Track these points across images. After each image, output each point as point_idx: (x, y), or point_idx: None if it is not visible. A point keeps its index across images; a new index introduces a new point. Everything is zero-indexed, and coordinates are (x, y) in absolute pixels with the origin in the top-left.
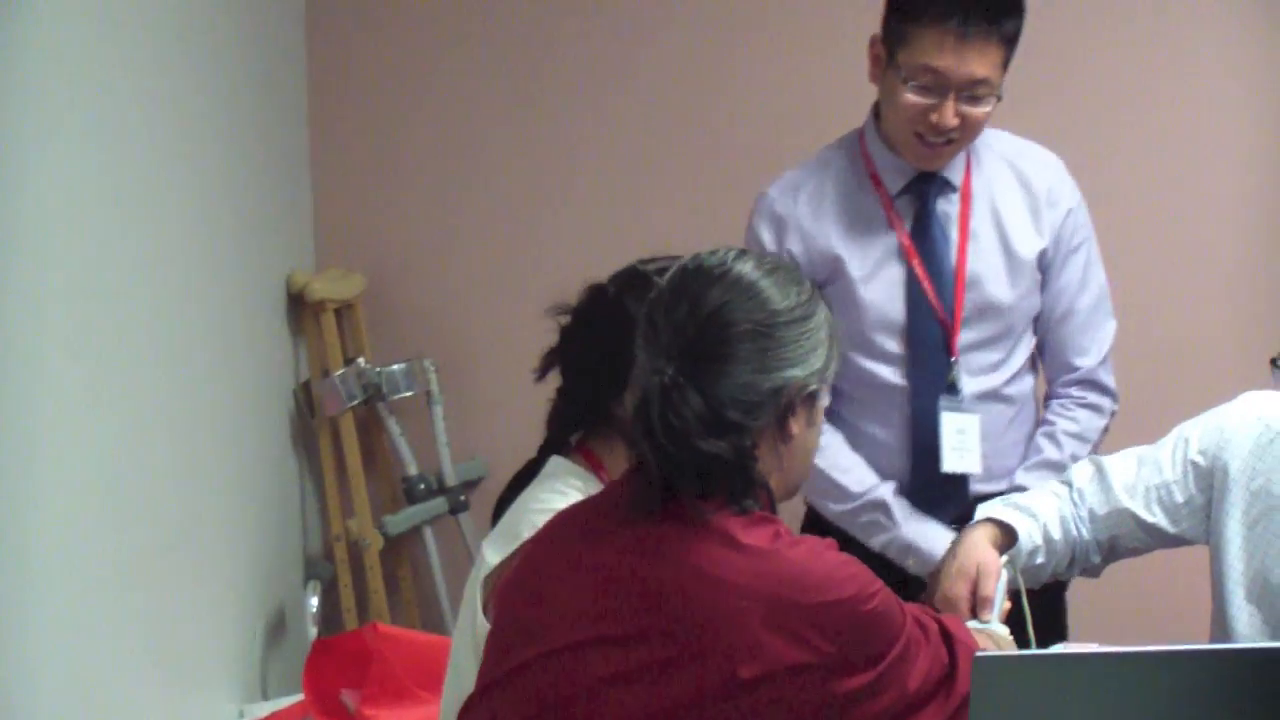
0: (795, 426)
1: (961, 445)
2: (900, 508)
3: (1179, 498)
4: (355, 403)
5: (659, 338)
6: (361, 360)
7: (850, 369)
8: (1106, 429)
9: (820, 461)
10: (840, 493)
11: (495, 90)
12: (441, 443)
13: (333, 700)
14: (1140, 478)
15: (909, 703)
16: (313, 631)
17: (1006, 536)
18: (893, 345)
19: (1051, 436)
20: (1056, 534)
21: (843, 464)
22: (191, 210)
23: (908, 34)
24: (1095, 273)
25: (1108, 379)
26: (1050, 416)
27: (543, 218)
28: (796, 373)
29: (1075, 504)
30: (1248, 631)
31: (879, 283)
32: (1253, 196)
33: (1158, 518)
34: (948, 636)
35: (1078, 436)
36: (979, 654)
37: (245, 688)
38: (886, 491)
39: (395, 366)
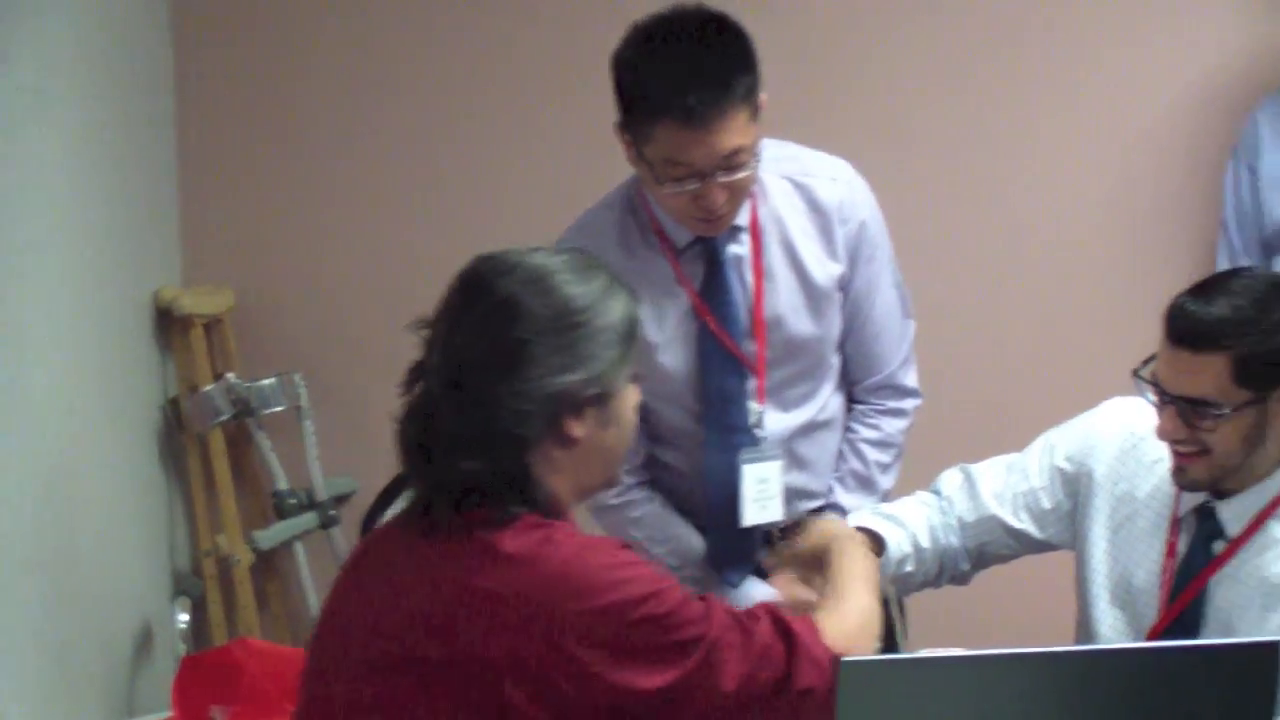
0: (579, 429)
1: (763, 495)
2: (713, 582)
3: (1046, 504)
4: (224, 418)
5: (436, 342)
6: (231, 375)
7: (660, 418)
8: (910, 426)
9: (638, 532)
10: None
11: (365, 103)
12: (312, 457)
13: (202, 716)
14: (1008, 485)
15: (731, 706)
16: (181, 648)
17: (875, 545)
18: (691, 399)
19: (854, 446)
20: (925, 542)
21: (659, 536)
22: (55, 225)
23: (644, 132)
24: (888, 276)
25: (906, 379)
26: (853, 425)
27: (415, 230)
28: (578, 375)
29: (944, 512)
30: (1111, 634)
31: (675, 346)
32: (1117, 201)
33: (1025, 524)
34: (788, 637)
35: (880, 444)
36: (846, 658)
37: (113, 705)
38: (700, 570)
39: (265, 381)
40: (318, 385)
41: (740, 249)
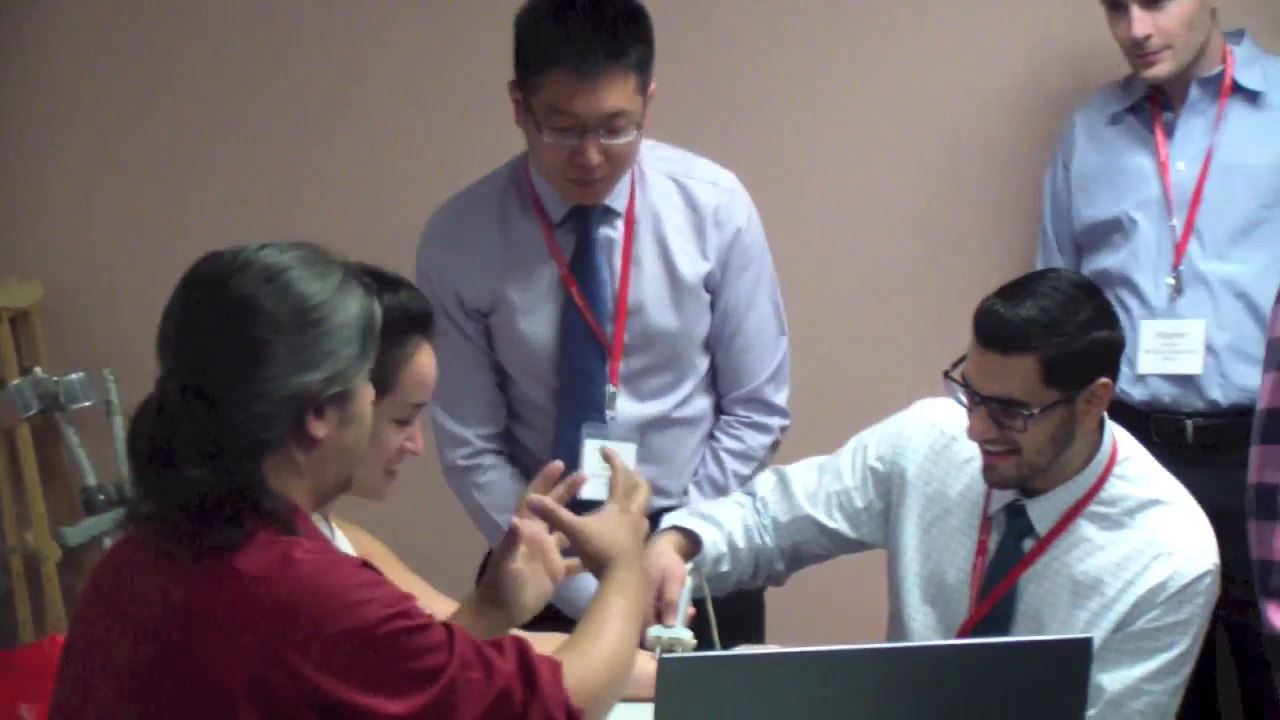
0: (320, 430)
1: (607, 473)
2: None
3: (859, 503)
4: (32, 413)
5: (169, 346)
6: (38, 370)
7: (514, 388)
8: (776, 445)
9: (482, 499)
10: (495, 533)
11: (177, 93)
12: (121, 453)
13: (11, 715)
14: (821, 485)
15: None
16: None
17: (691, 544)
18: (550, 374)
19: (715, 454)
20: (741, 542)
21: (502, 503)
22: None
23: (534, 81)
24: (765, 292)
25: (775, 397)
26: (717, 433)
27: (225, 225)
28: (317, 375)
29: (759, 513)
30: (923, 631)
31: (539, 314)
32: (944, 200)
33: (839, 523)
34: (529, 672)
35: (741, 455)
36: (664, 656)
37: None
38: None
39: (74, 376)
40: (128, 380)
41: (613, 233)
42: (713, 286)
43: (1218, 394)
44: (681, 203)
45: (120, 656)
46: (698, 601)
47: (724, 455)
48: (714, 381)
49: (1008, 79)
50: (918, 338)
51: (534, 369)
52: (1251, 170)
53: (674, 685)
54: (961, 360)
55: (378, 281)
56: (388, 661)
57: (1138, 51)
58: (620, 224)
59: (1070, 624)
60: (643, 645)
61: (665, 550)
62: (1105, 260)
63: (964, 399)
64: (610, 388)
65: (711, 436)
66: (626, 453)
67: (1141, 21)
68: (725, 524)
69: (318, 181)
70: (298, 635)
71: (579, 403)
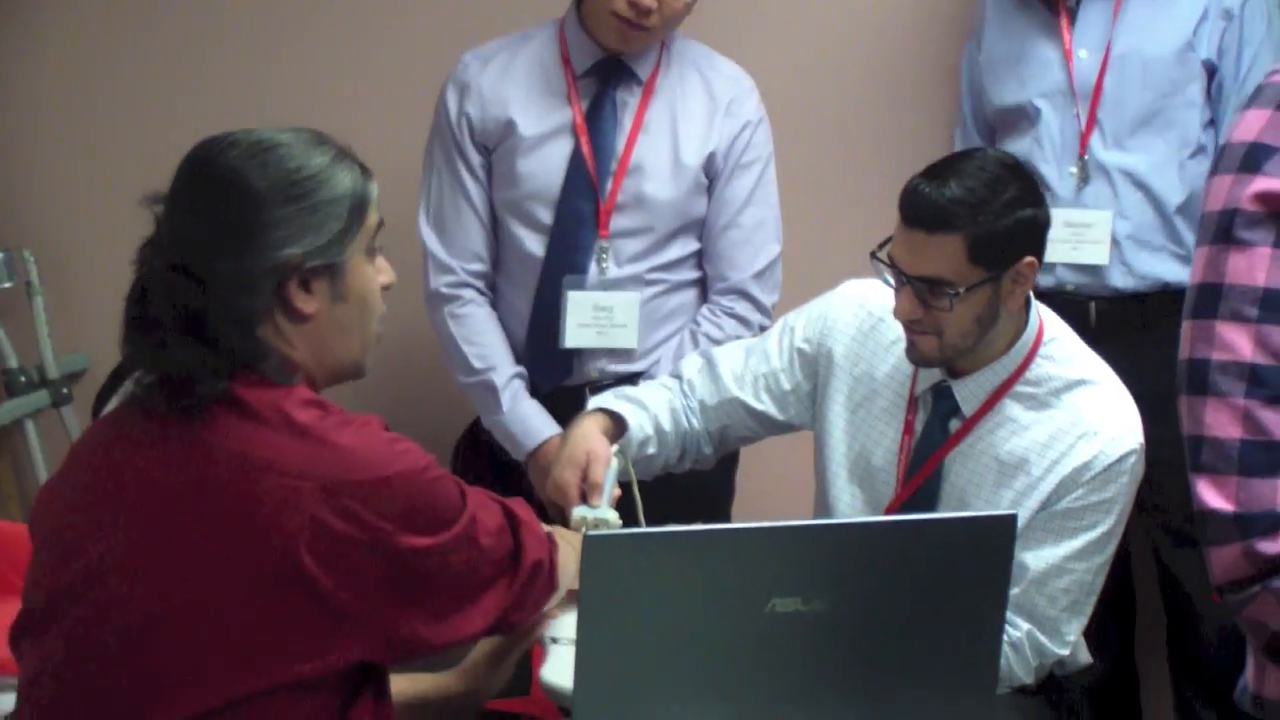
0: (309, 305)
1: (597, 323)
2: (510, 394)
3: (786, 385)
4: None
5: (165, 223)
6: None
7: (504, 235)
8: None
9: (456, 329)
10: (462, 365)
11: None
12: (43, 335)
13: None
14: (748, 367)
15: (476, 580)
16: None
17: (617, 426)
18: (545, 216)
19: (693, 337)
20: (668, 425)
21: (473, 337)
22: None
23: None
24: (765, 194)
25: (761, 295)
26: (699, 318)
27: (149, 104)
28: (297, 248)
29: (686, 395)
30: (849, 511)
31: (544, 153)
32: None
33: (766, 405)
34: (511, 518)
35: (719, 344)
36: (589, 534)
37: None
38: (500, 376)
39: None
40: (48, 261)
41: (631, 98)
42: (713, 173)
43: (1119, 281)
44: (700, 88)
45: (137, 530)
46: (625, 485)
47: (701, 339)
48: (703, 276)
49: None
50: (855, 223)
51: (529, 211)
52: (1148, 60)
53: (599, 563)
54: (888, 241)
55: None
56: (430, 501)
57: None
58: (639, 91)
59: (995, 503)
60: (568, 527)
61: (590, 431)
62: (1015, 146)
63: (890, 279)
64: (600, 241)
65: (693, 322)
66: (623, 303)
67: None
68: (652, 407)
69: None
70: (355, 480)
71: (568, 248)
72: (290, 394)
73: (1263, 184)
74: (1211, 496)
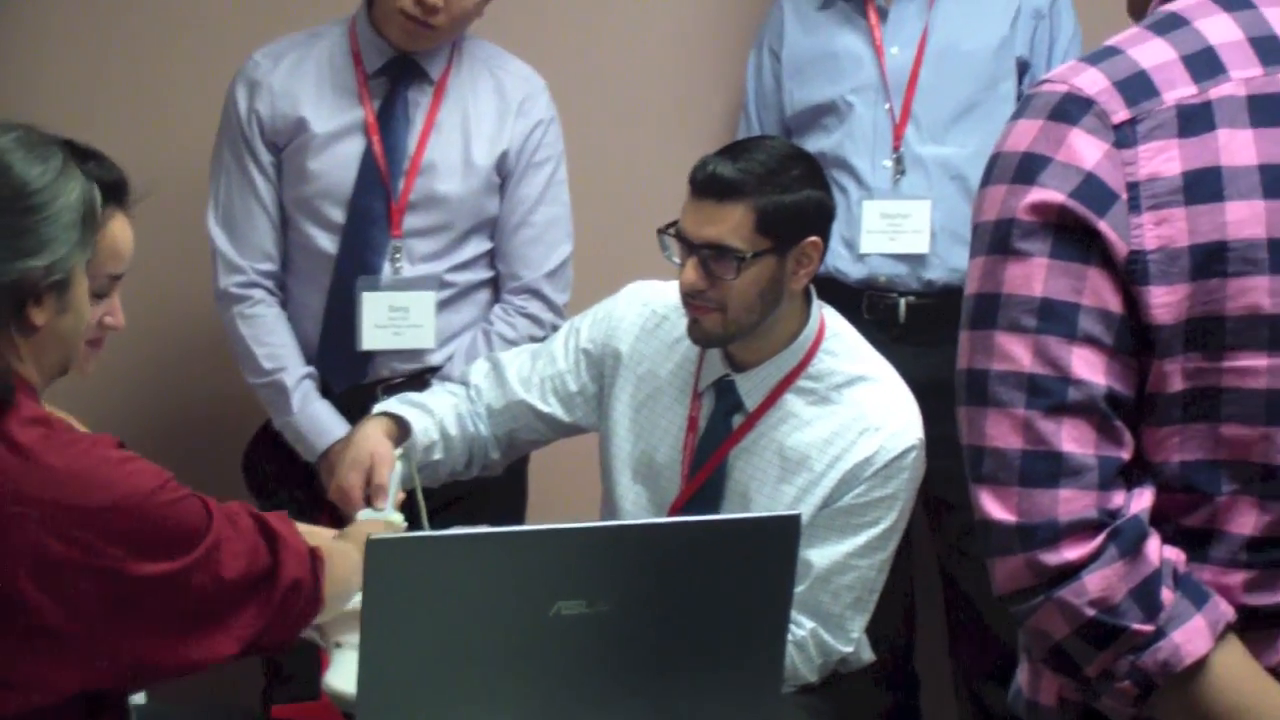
0: (40, 317)
1: (393, 324)
2: (300, 395)
3: (572, 386)
4: None
5: None
6: None
7: (294, 234)
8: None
9: (245, 329)
10: (252, 366)
11: None
12: None
13: None
14: (535, 370)
15: (227, 594)
16: None
17: (401, 430)
18: (337, 215)
19: (486, 336)
20: (453, 430)
21: (263, 337)
22: None
23: None
24: (557, 193)
25: (553, 294)
26: (492, 318)
27: (140, 109)
28: (37, 261)
29: (472, 401)
30: (635, 510)
31: (336, 152)
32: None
33: (553, 407)
34: (269, 533)
35: (512, 343)
36: (372, 537)
37: None
38: (290, 377)
39: None
40: None
41: (422, 97)
42: (505, 172)
43: (933, 274)
44: (491, 88)
45: None
46: (410, 492)
47: (495, 339)
48: (497, 275)
49: None
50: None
51: (320, 210)
52: (965, 54)
53: (382, 567)
54: (675, 222)
55: (71, 153)
56: (159, 526)
57: None
58: (430, 90)
59: (778, 499)
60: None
61: (374, 434)
62: (819, 143)
63: (676, 258)
64: (393, 240)
65: (486, 321)
66: (418, 303)
67: None
68: (437, 412)
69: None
70: (79, 500)
71: (361, 247)
72: (15, 412)
73: (1038, 194)
74: (993, 507)
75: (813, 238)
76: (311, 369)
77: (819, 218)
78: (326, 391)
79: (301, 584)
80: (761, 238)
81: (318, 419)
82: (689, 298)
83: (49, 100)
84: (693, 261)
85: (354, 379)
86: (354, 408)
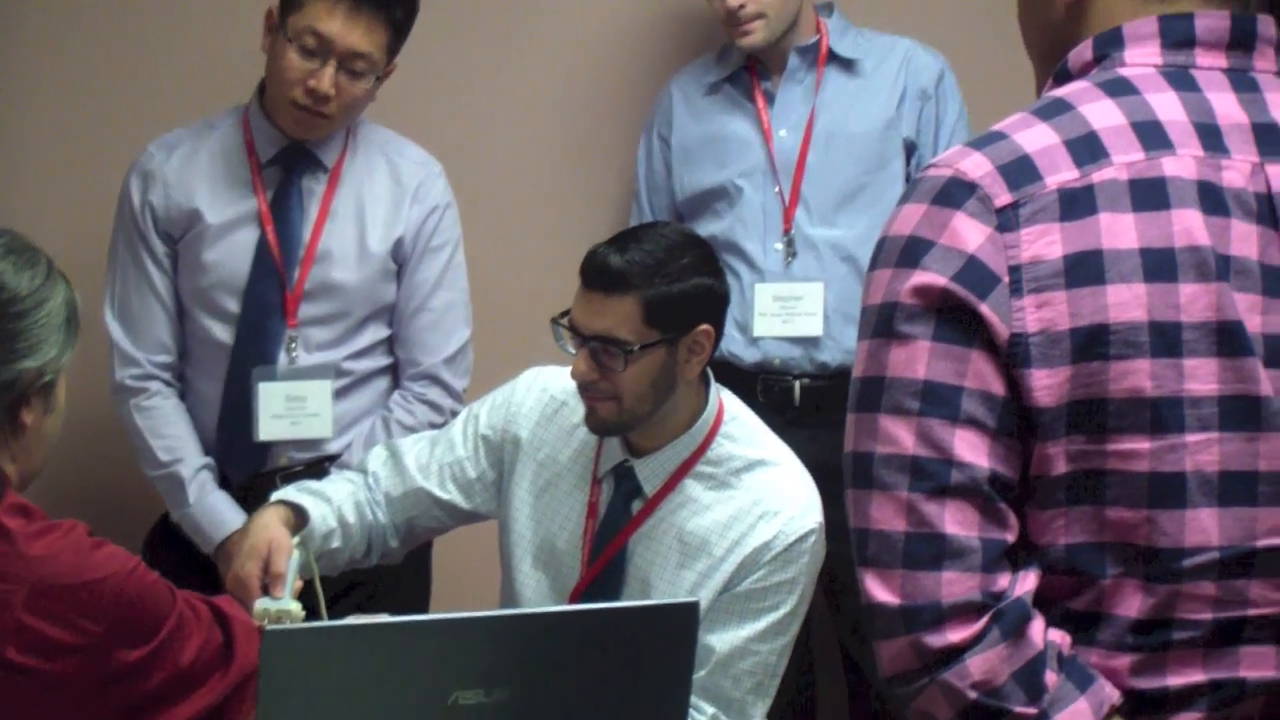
0: (29, 417)
1: (290, 413)
2: (197, 486)
3: (471, 473)
4: None
5: None
6: None
7: (191, 325)
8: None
9: (141, 421)
10: (149, 458)
11: None
12: None
13: None
14: (434, 457)
15: (185, 678)
16: None
17: (299, 518)
18: (232, 305)
19: (385, 424)
20: (351, 518)
21: (160, 429)
22: None
23: (300, 1)
24: (454, 278)
25: (452, 380)
26: (391, 405)
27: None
28: (30, 363)
29: (371, 488)
30: (534, 597)
31: (230, 242)
32: (538, 177)
33: (452, 494)
34: (221, 616)
35: (410, 430)
36: (269, 628)
37: None
38: (187, 469)
39: None
40: None
41: (316, 185)
42: (401, 259)
43: (827, 356)
44: (386, 175)
45: None
46: (308, 581)
47: (394, 426)
48: (395, 361)
49: (604, 49)
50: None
51: (216, 301)
52: (853, 137)
53: (279, 657)
54: (568, 311)
55: None
56: (132, 608)
57: (733, 21)
58: (324, 178)
59: (678, 584)
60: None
61: (271, 523)
62: (710, 227)
63: (570, 346)
64: (289, 330)
65: (385, 408)
66: (320, 391)
67: None
68: (335, 499)
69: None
70: (61, 580)
71: (257, 337)
72: (1, 502)
73: (921, 278)
74: (878, 590)
75: (704, 326)
76: (209, 460)
77: (710, 305)
78: (225, 482)
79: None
80: (650, 329)
81: (214, 511)
82: (582, 388)
83: None
84: (584, 353)
85: (252, 469)
86: (252, 497)
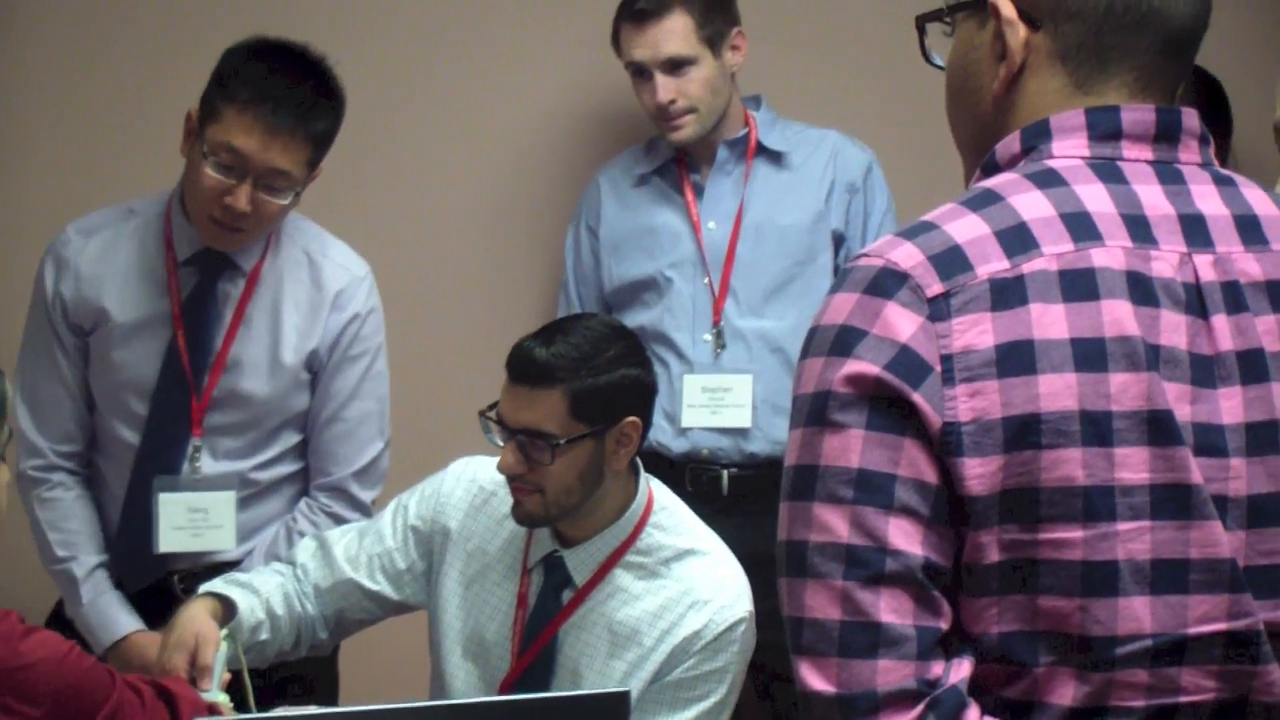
0: None
1: (192, 525)
2: (91, 586)
3: (401, 564)
4: None
5: None
6: None
7: (100, 420)
8: None
9: (41, 513)
10: (46, 551)
11: None
12: None
13: None
14: (363, 548)
15: None
16: None
17: (227, 610)
18: (139, 408)
19: (289, 531)
20: (280, 610)
21: (59, 523)
22: None
23: (221, 111)
24: (372, 387)
25: (360, 493)
26: (296, 515)
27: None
28: None
29: (299, 580)
30: (464, 688)
31: (139, 346)
32: (462, 266)
33: (381, 585)
34: (166, 695)
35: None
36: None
37: None
38: (81, 567)
39: None
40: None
41: (232, 288)
42: (316, 367)
43: (756, 446)
44: (307, 278)
45: None
46: (235, 672)
47: (295, 537)
48: (305, 467)
49: (531, 142)
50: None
51: (123, 401)
52: (781, 229)
53: None
54: (496, 403)
55: None
56: (70, 690)
57: (664, 116)
58: (242, 282)
59: (609, 674)
60: None
61: (199, 614)
62: (640, 318)
63: (497, 439)
64: (194, 439)
65: (291, 517)
66: (223, 502)
67: (665, 87)
68: (263, 591)
69: None
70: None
71: (161, 445)
72: None
73: (854, 367)
74: (813, 678)
75: (631, 418)
76: (106, 557)
77: (637, 397)
78: (121, 583)
79: None
80: (576, 422)
81: (106, 611)
82: (509, 480)
83: None
84: (511, 446)
85: (150, 577)
86: (147, 598)
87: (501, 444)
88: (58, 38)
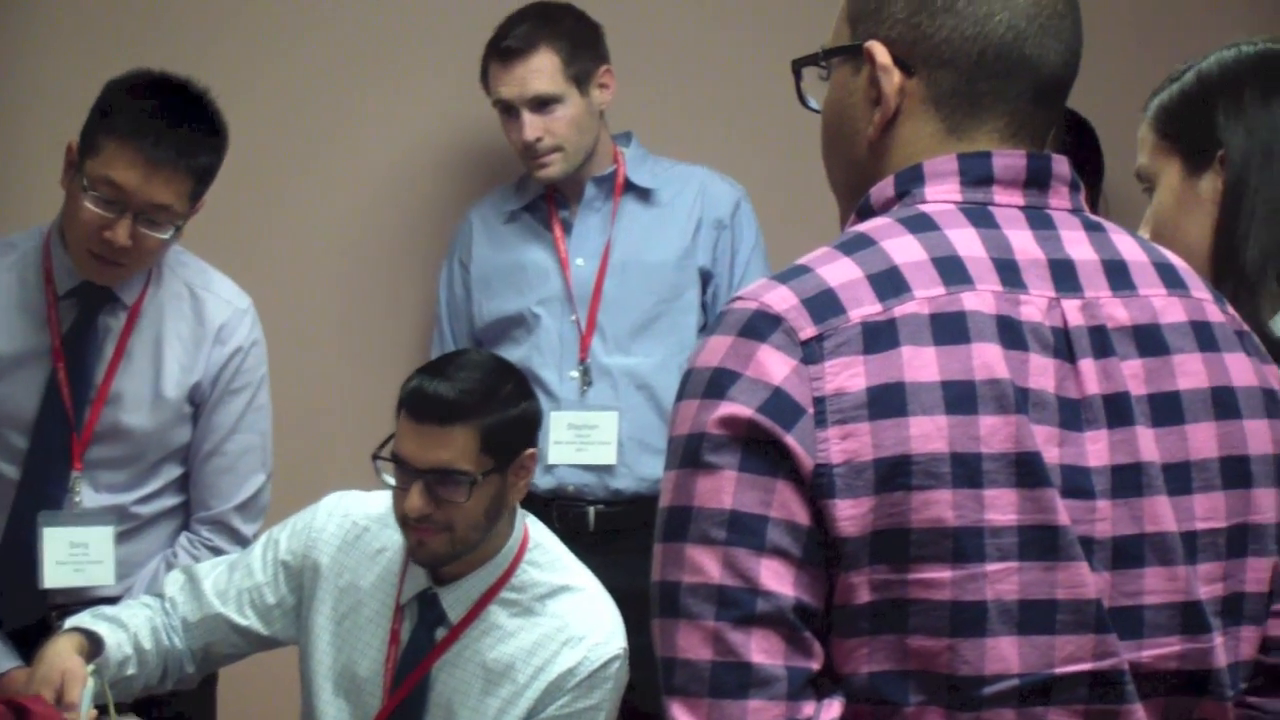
0: None
1: (74, 560)
2: None
3: (270, 599)
4: None
5: None
6: None
7: None
8: None
9: None
10: None
11: None
12: None
13: None
14: (232, 582)
15: None
16: None
17: (94, 646)
18: (19, 442)
19: (169, 566)
20: (148, 644)
21: None
22: None
23: (100, 144)
24: (255, 420)
25: (242, 526)
26: (177, 549)
27: None
28: None
29: (168, 613)
30: None
31: (18, 380)
32: (340, 300)
33: (251, 620)
34: (23, 714)
35: None
36: None
37: None
38: None
39: None
40: None
41: (114, 321)
42: (199, 400)
43: (622, 483)
44: (189, 311)
45: None
46: (101, 707)
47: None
48: (188, 500)
49: (409, 177)
50: (341, 430)
51: (2, 436)
52: (649, 266)
53: None
54: (388, 441)
55: None
56: None
57: (530, 154)
58: (123, 315)
59: (482, 712)
60: None
61: (65, 651)
62: (508, 354)
63: (393, 480)
64: (74, 472)
65: (173, 551)
66: (103, 537)
67: (532, 125)
68: (130, 625)
69: None
70: None
71: (40, 479)
72: None
73: (727, 409)
74: (685, 718)
75: (529, 450)
76: None
77: (533, 429)
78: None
79: None
80: (487, 457)
81: None
82: (415, 521)
83: None
84: (418, 487)
85: (32, 615)
86: (25, 632)
87: (396, 484)
88: None
